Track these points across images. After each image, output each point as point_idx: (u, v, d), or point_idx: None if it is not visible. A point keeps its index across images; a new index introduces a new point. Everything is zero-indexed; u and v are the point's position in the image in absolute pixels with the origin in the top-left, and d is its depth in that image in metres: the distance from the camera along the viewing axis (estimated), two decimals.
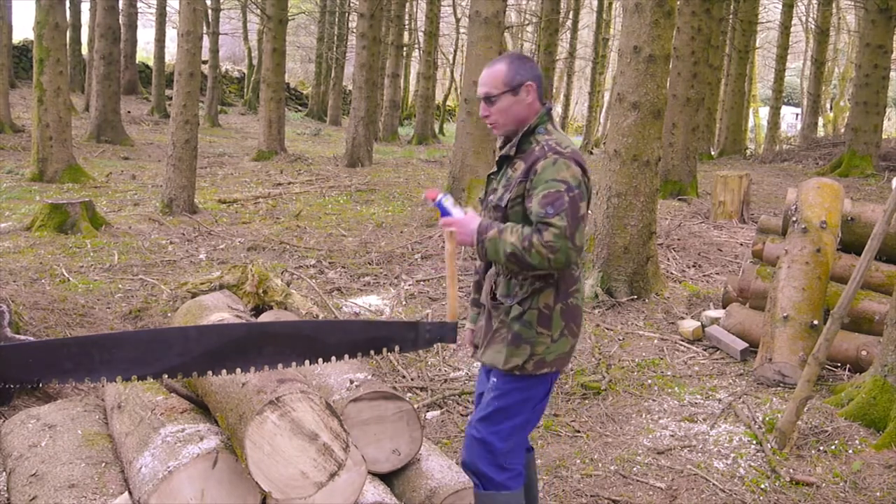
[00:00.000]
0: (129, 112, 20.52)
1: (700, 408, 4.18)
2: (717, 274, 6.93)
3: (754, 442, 3.76)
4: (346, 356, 2.37)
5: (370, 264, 6.97)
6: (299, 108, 32.53)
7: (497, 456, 2.39)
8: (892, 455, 3.54)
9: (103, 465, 2.62)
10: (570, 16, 26.54)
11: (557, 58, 22.75)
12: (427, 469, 2.80)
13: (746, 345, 4.93)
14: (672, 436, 3.85)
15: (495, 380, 2.41)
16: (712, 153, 20.07)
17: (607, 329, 5.41)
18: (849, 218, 5.13)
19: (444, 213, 2.41)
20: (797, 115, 32.30)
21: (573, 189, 2.23)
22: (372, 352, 2.41)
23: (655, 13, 5.85)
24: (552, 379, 2.44)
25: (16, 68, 24.14)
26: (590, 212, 2.30)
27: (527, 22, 30.52)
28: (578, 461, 3.58)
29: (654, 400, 4.28)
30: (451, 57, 32.60)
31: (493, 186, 2.45)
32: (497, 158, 2.45)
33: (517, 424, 2.40)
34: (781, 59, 22.72)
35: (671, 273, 6.80)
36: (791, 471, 3.45)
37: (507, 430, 2.39)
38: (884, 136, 16.31)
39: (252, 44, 30.29)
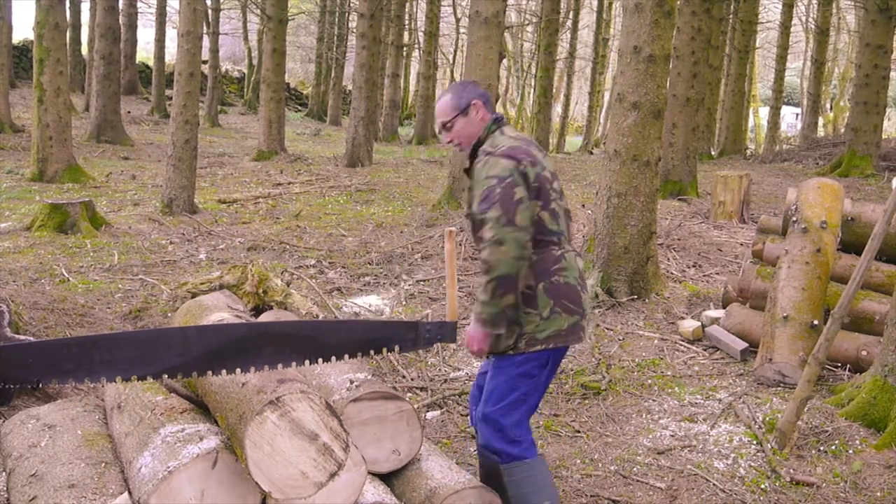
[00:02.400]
0: (129, 112, 20.51)
1: (700, 408, 4.18)
2: (717, 274, 6.93)
3: (754, 442, 3.76)
4: (346, 356, 2.37)
5: (370, 264, 6.96)
6: (299, 108, 32.53)
7: (506, 431, 2.54)
8: (892, 455, 3.54)
9: (103, 465, 2.62)
10: (570, 16, 26.55)
11: (557, 58, 22.76)
12: (427, 469, 2.80)
13: (746, 345, 4.93)
14: (672, 436, 3.85)
15: (493, 360, 2.58)
16: (712, 153, 20.06)
17: (607, 329, 5.41)
18: (849, 218, 5.12)
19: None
20: (797, 115, 32.29)
21: (503, 179, 2.41)
22: (372, 352, 2.41)
23: (655, 13, 5.84)
24: (552, 356, 2.56)
25: (16, 68, 24.13)
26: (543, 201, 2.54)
27: (527, 22, 30.52)
28: (578, 461, 3.58)
29: (654, 400, 4.28)
30: (451, 57, 32.61)
31: (466, 198, 2.68)
32: (465, 173, 2.70)
33: (515, 399, 2.53)
34: (781, 59, 22.72)
35: (671, 273, 6.80)
36: (791, 471, 3.45)
37: (507, 406, 2.53)
38: (884, 136, 16.30)
39: (252, 44, 30.28)
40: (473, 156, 2.65)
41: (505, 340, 2.48)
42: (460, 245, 7.15)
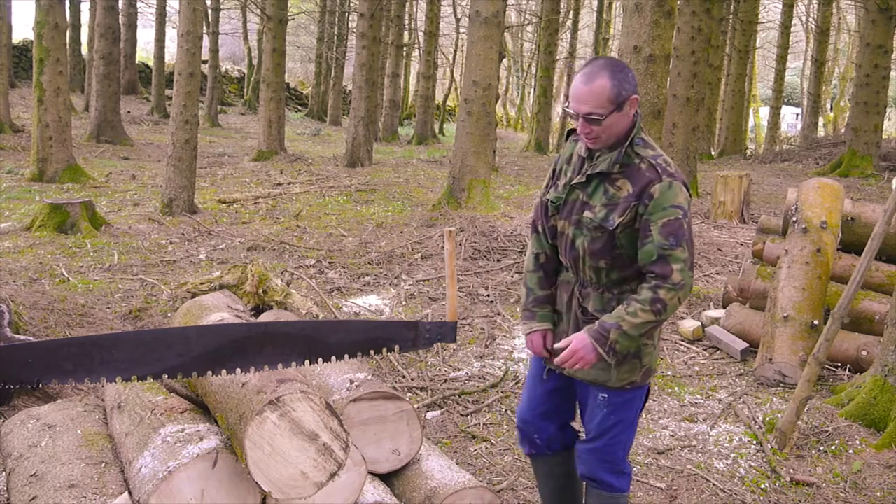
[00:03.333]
0: (129, 112, 20.51)
1: (700, 408, 4.18)
2: (717, 274, 6.93)
3: (754, 442, 3.76)
4: (346, 356, 2.36)
5: (370, 264, 6.96)
6: (299, 108, 32.53)
7: (618, 464, 2.44)
8: (892, 455, 3.54)
9: (103, 465, 2.61)
10: (570, 16, 26.54)
11: (557, 58, 22.76)
12: (427, 469, 2.80)
13: (746, 345, 4.93)
14: (672, 436, 3.85)
15: (605, 395, 2.38)
16: (712, 153, 20.08)
17: None
18: (849, 218, 5.12)
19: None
20: (797, 115, 32.30)
21: (686, 213, 2.24)
22: (372, 352, 2.41)
23: (655, 13, 5.85)
24: None
25: (16, 68, 24.14)
26: None
27: (527, 22, 30.53)
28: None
29: (654, 400, 4.28)
30: (451, 57, 32.60)
31: (584, 200, 2.32)
32: (589, 172, 2.31)
33: (632, 432, 2.46)
34: (781, 59, 22.74)
35: None
36: (791, 471, 3.45)
37: (627, 440, 2.44)
38: (884, 136, 16.31)
39: (252, 44, 30.29)
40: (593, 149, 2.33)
41: (627, 377, 2.35)
42: (460, 245, 7.15)
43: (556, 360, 2.33)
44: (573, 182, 2.36)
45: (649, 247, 2.22)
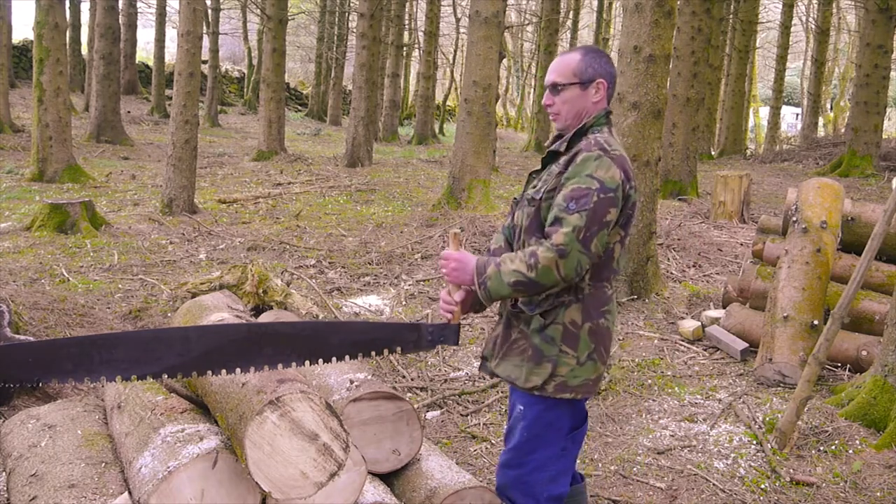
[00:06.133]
0: (128, 112, 20.52)
1: (700, 408, 4.18)
2: (717, 274, 6.93)
3: (754, 442, 3.76)
4: (347, 357, 2.36)
5: (370, 264, 6.96)
6: (299, 108, 32.54)
7: (533, 487, 2.21)
8: (892, 455, 3.54)
9: (103, 465, 2.61)
10: (570, 16, 26.55)
11: None
12: (427, 469, 2.80)
13: (746, 345, 4.93)
14: (672, 436, 3.85)
15: (521, 407, 2.23)
16: (712, 153, 20.08)
17: None
18: (849, 218, 5.12)
19: None
20: (797, 115, 32.30)
21: (607, 191, 2.06)
22: (373, 353, 2.40)
23: (655, 13, 5.84)
24: (580, 406, 2.27)
25: (16, 68, 24.14)
26: (626, 233, 2.23)
27: (527, 22, 30.54)
28: (578, 461, 3.58)
29: (654, 400, 4.28)
30: (451, 57, 32.61)
31: (534, 183, 2.29)
32: (544, 155, 2.29)
33: (552, 455, 2.21)
34: (781, 59, 22.74)
35: (671, 273, 6.80)
36: (791, 471, 3.45)
37: (540, 461, 2.21)
38: (884, 136, 16.31)
39: (252, 44, 30.30)
40: (558, 137, 2.29)
41: (534, 379, 2.16)
42: (462, 246, 7.15)
43: (442, 254, 2.29)
44: (531, 171, 2.35)
45: (553, 210, 2.10)
